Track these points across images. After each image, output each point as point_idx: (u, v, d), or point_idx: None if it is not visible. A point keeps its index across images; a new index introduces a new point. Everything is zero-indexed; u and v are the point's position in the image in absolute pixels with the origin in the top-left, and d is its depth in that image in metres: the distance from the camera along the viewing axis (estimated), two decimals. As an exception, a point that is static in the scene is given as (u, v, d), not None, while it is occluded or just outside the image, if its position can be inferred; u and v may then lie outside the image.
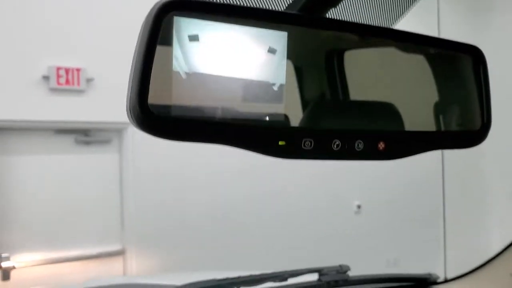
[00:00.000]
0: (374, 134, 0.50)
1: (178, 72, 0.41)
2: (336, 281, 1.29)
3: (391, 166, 5.04)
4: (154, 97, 0.39)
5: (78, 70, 3.76)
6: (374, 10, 0.55)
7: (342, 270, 1.33)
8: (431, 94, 0.56)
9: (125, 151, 3.97)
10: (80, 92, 3.78)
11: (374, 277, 1.39)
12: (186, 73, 0.41)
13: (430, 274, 1.46)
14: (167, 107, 0.40)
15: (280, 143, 0.44)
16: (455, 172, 5.27)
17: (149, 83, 0.39)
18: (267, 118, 0.45)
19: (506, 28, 5.48)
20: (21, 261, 3.49)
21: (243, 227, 4.32)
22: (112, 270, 3.81)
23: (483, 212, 5.54)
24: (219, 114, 0.42)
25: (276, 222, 4.51)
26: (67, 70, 3.71)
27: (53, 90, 3.67)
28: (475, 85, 0.56)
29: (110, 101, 3.82)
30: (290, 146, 0.45)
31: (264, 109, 0.45)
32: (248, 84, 0.44)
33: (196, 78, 0.42)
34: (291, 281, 1.29)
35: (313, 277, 1.31)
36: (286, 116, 0.46)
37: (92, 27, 3.79)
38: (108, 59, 3.83)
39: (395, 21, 0.58)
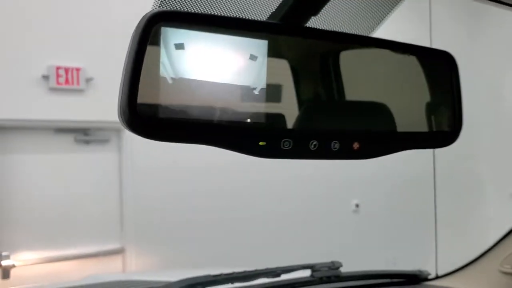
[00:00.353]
0: (349, 135, 0.53)
1: (166, 78, 0.44)
2: (328, 277, 1.32)
3: (388, 166, 5.11)
4: (142, 101, 0.43)
5: (77, 69, 3.79)
6: (354, 18, 0.58)
7: (334, 266, 1.36)
8: (406, 97, 0.59)
9: (124, 150, 4.00)
10: (79, 91, 3.81)
11: (366, 273, 1.42)
12: (173, 79, 0.44)
13: (421, 271, 1.49)
14: (155, 111, 0.44)
15: (261, 143, 0.48)
16: (447, 172, 5.33)
17: (137, 89, 0.42)
18: (249, 120, 0.48)
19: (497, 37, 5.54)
20: (21, 260, 3.52)
21: (241, 224, 4.35)
22: (112, 268, 3.84)
23: (475, 211, 5.61)
24: (203, 116, 0.46)
25: (275, 220, 4.54)
26: (66, 70, 3.74)
27: (53, 89, 3.70)
28: (447, 88, 0.59)
29: (109, 101, 3.83)
30: (270, 146, 0.48)
31: (246, 111, 0.48)
32: (230, 89, 0.47)
33: (181, 83, 0.45)
34: (284, 277, 1.32)
35: (306, 273, 1.34)
36: (266, 118, 0.49)
37: (92, 27, 3.82)
38: (107, 59, 3.85)
39: (374, 29, 0.61)
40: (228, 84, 0.47)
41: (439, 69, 0.59)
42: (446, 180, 5.30)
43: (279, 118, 0.50)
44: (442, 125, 0.60)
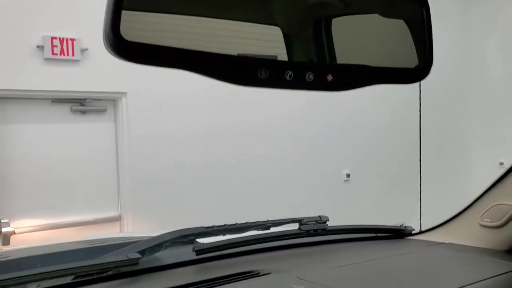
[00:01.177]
0: (323, 67, 0.56)
1: (149, 3, 0.47)
2: (315, 230, 1.38)
3: (377, 137, 5.17)
4: (126, 26, 0.45)
5: (72, 40, 3.79)
6: None
7: (321, 220, 1.42)
8: (380, 33, 0.62)
9: (120, 120, 4.05)
10: (74, 62, 3.81)
11: (352, 227, 1.48)
12: (157, 4, 0.47)
13: (405, 226, 1.56)
14: (139, 34, 0.46)
15: (237, 70, 0.51)
16: (435, 141, 5.46)
17: (120, 14, 0.45)
18: (227, 47, 0.51)
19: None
20: (20, 227, 3.60)
21: (236, 192, 4.43)
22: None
23: (463, 179, 5.74)
24: (181, 42, 0.48)
25: (268, 189, 4.62)
26: (61, 40, 3.74)
27: (48, 60, 3.71)
28: (420, 26, 0.62)
29: (105, 71, 3.87)
30: (246, 73, 0.51)
31: (225, 39, 0.51)
32: (213, 16, 0.50)
33: (165, 8, 0.48)
34: (273, 229, 1.38)
35: (294, 226, 1.40)
36: (244, 47, 0.52)
37: (86, -3, 3.80)
38: (102, 30, 3.85)
39: None
40: (212, 11, 0.50)
41: (411, 6, 0.62)
42: (433, 149, 5.42)
43: (257, 47, 0.53)
44: (413, 61, 0.64)
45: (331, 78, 0.56)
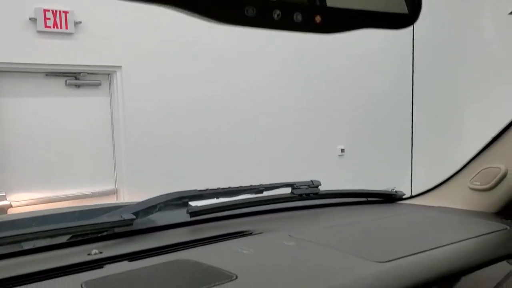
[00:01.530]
0: (311, 8, 0.56)
1: None
2: (307, 194, 1.40)
3: (370, 108, 5.19)
4: None
5: (65, 12, 3.74)
6: None
7: (313, 184, 1.43)
8: None
9: (115, 94, 4.03)
10: (68, 35, 3.78)
11: (343, 191, 1.50)
12: None
13: (396, 191, 1.58)
14: None
15: (223, 6, 0.50)
16: (428, 115, 5.48)
17: None
18: None
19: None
20: (17, 200, 3.62)
21: (230, 167, 4.45)
22: (106, 208, 3.96)
23: (455, 152, 5.78)
24: None
25: (264, 164, 4.64)
26: (54, 13, 3.69)
27: (41, 32, 3.67)
28: None
29: (99, 45, 3.85)
30: (232, 10, 0.51)
31: None
32: None
33: None
34: (266, 193, 1.40)
35: (287, 190, 1.42)
36: None
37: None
38: (95, 3, 3.80)
39: None
40: None
41: None
42: (426, 118, 5.44)
43: None
44: (403, 7, 0.64)
45: (320, 19, 0.56)
